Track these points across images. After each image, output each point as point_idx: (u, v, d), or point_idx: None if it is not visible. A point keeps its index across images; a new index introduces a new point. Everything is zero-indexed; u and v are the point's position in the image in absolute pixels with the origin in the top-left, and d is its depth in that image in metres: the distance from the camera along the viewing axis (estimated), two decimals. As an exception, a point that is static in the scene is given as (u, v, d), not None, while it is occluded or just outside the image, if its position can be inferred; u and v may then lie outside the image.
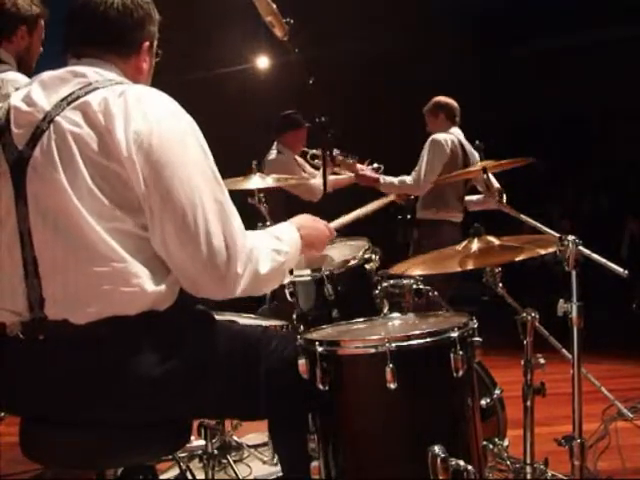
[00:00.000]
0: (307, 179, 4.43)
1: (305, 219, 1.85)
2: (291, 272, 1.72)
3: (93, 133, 1.48)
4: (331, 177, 4.48)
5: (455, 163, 4.30)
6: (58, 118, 1.51)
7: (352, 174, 4.60)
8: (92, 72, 1.59)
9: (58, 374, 1.51)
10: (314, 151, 4.68)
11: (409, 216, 4.54)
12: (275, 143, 4.74)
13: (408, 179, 4.35)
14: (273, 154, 4.69)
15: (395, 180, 4.41)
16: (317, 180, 4.44)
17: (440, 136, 4.34)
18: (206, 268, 1.51)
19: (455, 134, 4.40)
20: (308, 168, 4.82)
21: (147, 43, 1.70)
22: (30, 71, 2.50)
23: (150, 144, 1.48)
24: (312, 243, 1.83)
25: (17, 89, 1.65)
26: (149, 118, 1.49)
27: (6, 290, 1.56)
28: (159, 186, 1.48)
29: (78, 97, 1.52)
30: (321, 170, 4.45)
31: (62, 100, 1.53)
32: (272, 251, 1.62)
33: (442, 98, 4.51)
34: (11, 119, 1.55)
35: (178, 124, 1.54)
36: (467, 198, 4.49)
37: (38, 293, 1.52)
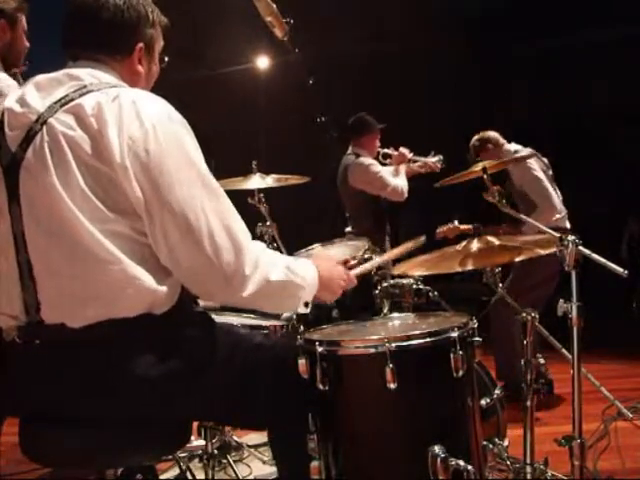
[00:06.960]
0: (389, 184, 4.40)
1: (326, 261, 1.78)
2: (307, 305, 1.66)
3: (86, 136, 1.46)
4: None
5: None
6: (51, 120, 1.49)
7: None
8: (87, 75, 1.57)
9: (56, 377, 1.50)
10: (386, 150, 4.66)
11: None
12: (351, 147, 4.66)
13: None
14: (353, 158, 4.58)
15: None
16: (400, 180, 4.45)
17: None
18: (213, 269, 1.49)
19: None
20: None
21: (141, 44, 1.66)
22: (17, 66, 2.44)
23: (146, 150, 1.45)
24: (328, 286, 1.74)
25: None
26: (144, 123, 1.47)
27: (3, 293, 1.55)
28: (158, 193, 1.46)
29: (72, 99, 1.50)
30: (396, 167, 4.53)
31: (56, 102, 1.51)
32: (285, 267, 1.59)
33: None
34: (5, 121, 1.54)
35: (173, 129, 1.51)
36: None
37: (33, 297, 1.50)
